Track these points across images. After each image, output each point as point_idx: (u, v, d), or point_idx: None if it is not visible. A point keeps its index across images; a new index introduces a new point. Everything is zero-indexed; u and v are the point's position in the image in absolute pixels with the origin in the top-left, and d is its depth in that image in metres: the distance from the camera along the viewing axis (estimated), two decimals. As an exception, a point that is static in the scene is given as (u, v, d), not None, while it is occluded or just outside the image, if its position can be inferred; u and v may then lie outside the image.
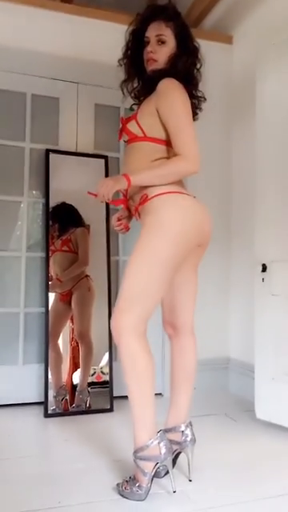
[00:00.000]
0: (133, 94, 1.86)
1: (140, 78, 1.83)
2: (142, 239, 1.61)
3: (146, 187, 1.66)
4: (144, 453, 1.54)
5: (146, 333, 1.61)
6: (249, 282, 2.71)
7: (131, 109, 1.87)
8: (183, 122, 1.62)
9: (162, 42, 1.74)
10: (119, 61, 1.83)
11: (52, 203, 2.74)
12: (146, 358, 1.56)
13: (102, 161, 2.87)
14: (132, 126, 1.72)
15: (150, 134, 1.69)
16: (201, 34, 2.90)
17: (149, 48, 1.75)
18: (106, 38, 2.68)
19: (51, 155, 2.78)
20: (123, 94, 1.84)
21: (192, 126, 1.64)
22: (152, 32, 1.75)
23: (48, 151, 2.78)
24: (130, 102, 1.90)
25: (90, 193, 1.68)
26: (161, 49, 1.73)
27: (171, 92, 1.64)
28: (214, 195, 3.07)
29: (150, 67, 1.75)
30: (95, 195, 1.65)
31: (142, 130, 1.69)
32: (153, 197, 1.63)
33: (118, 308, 1.59)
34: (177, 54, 1.73)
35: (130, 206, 1.80)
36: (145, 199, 1.66)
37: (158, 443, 1.54)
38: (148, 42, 1.76)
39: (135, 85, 1.85)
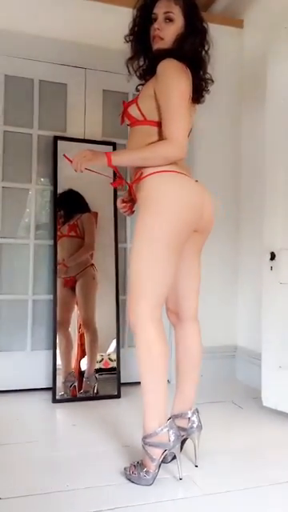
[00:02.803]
0: (138, 74, 1.81)
1: (146, 57, 1.78)
2: (139, 220, 1.61)
3: (143, 166, 1.64)
4: (153, 439, 1.55)
5: (162, 319, 1.61)
6: (257, 270, 2.70)
7: (137, 90, 1.84)
8: (174, 106, 1.58)
9: (169, 20, 1.68)
10: (125, 37, 1.78)
11: (60, 190, 2.74)
12: (162, 345, 1.57)
13: (111, 147, 2.85)
14: (132, 110, 1.70)
15: (150, 117, 1.66)
16: (210, 17, 2.83)
17: (156, 25, 1.70)
18: (115, 23, 2.63)
19: (59, 142, 2.76)
20: (129, 72, 1.80)
21: (184, 111, 1.60)
22: (160, 9, 1.70)
23: (56, 138, 2.77)
24: (135, 80, 1.85)
25: (65, 156, 1.70)
26: (168, 27, 1.68)
27: (168, 74, 1.60)
28: (223, 182, 3.04)
29: (156, 45, 1.71)
30: (71, 161, 1.65)
31: (141, 113, 1.67)
32: (147, 175, 1.61)
33: (131, 296, 1.61)
34: (184, 35, 1.68)
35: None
36: (139, 177, 1.64)
37: (168, 431, 1.55)
38: (155, 19, 1.71)
39: (141, 63, 1.80)
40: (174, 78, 1.60)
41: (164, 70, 1.61)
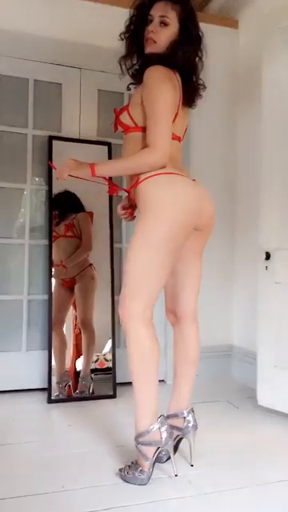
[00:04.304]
0: (130, 73, 1.80)
1: (139, 57, 1.77)
2: (138, 223, 1.62)
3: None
4: (145, 438, 1.56)
5: (153, 319, 1.61)
6: (252, 270, 2.70)
7: (128, 88, 1.84)
8: (157, 113, 1.58)
9: (164, 24, 1.68)
10: (121, 35, 1.77)
11: (55, 191, 2.73)
12: (153, 344, 1.58)
13: (106, 147, 2.85)
14: (124, 118, 1.70)
15: (141, 124, 1.66)
16: (206, 18, 2.85)
17: (150, 27, 1.69)
18: (110, 23, 2.62)
19: (54, 142, 2.76)
20: (121, 70, 1.79)
21: (167, 118, 1.60)
22: (156, 11, 1.69)
23: (51, 138, 2.76)
24: (127, 79, 1.83)
25: (50, 163, 1.83)
26: (162, 31, 1.68)
27: (153, 82, 1.60)
28: (218, 182, 3.05)
29: (149, 48, 1.70)
30: (55, 168, 1.70)
31: (133, 120, 1.68)
32: (144, 179, 1.61)
33: (123, 295, 1.61)
34: (177, 41, 1.68)
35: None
36: (136, 181, 1.65)
37: (159, 428, 1.55)
38: (151, 21, 1.70)
39: (134, 62, 1.79)
40: (158, 85, 1.60)
41: (149, 77, 1.62)
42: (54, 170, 1.72)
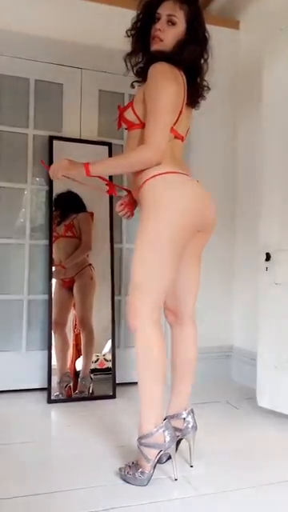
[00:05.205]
0: (135, 70, 1.80)
1: (145, 54, 1.77)
2: (141, 223, 1.61)
3: (142, 171, 1.63)
4: (148, 440, 1.55)
5: (161, 320, 1.61)
6: (252, 271, 2.70)
7: (132, 86, 1.84)
8: (157, 110, 1.58)
9: (171, 23, 1.68)
10: (127, 32, 1.77)
11: (55, 190, 2.73)
12: (161, 346, 1.58)
13: (106, 148, 2.85)
14: (128, 114, 1.70)
15: (145, 120, 1.65)
16: (207, 18, 2.79)
17: (157, 25, 1.69)
18: (111, 23, 2.65)
19: (55, 142, 2.76)
20: (126, 67, 1.78)
21: (167, 115, 1.59)
22: (164, 10, 1.69)
23: (51, 138, 2.76)
24: (132, 76, 1.83)
25: (43, 163, 1.90)
26: (169, 30, 1.68)
27: (156, 78, 1.60)
28: (219, 182, 3.05)
29: (155, 46, 1.70)
30: (48, 168, 1.71)
31: (137, 117, 1.67)
32: (149, 178, 1.60)
33: (131, 296, 1.61)
34: (184, 41, 1.68)
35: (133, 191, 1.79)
36: (143, 181, 1.63)
37: (163, 431, 1.55)
38: (158, 19, 1.70)
39: (139, 60, 1.78)
40: (161, 82, 1.59)
41: (153, 73, 1.62)
42: (47, 170, 1.71)
